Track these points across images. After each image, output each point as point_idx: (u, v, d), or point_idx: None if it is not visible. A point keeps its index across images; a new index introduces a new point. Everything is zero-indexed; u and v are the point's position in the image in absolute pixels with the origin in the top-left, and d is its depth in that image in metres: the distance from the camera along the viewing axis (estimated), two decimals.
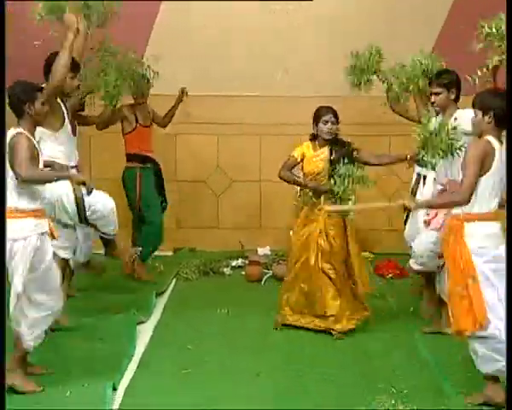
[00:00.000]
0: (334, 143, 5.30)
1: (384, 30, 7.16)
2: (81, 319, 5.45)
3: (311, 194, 5.29)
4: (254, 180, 7.90)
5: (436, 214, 5.05)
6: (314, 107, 5.49)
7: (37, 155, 4.28)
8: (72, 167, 5.24)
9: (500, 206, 4.10)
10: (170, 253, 7.74)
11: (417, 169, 5.81)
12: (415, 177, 5.92)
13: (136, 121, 6.62)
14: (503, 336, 3.92)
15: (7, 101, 4.29)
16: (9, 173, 4.16)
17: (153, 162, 6.76)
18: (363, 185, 5.19)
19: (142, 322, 5.62)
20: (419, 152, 4.87)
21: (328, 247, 5.27)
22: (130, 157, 6.65)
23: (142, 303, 5.97)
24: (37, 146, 4.30)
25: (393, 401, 4.13)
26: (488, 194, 4.00)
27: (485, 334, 3.98)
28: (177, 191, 7.78)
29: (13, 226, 4.13)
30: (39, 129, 4.54)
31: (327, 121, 5.27)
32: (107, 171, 7.19)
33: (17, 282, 4.13)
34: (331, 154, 5.26)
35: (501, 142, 4.03)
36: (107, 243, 5.62)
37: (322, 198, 5.26)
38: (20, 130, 4.22)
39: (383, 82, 5.96)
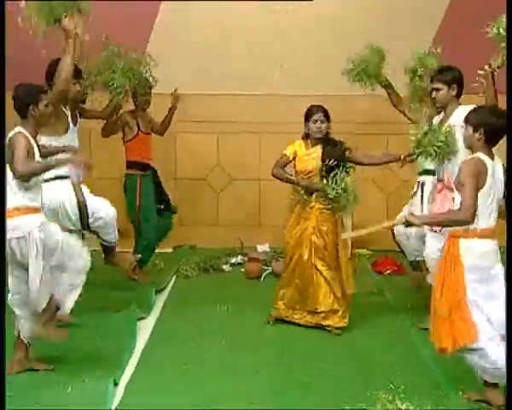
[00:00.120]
0: (327, 142, 5.35)
1: (384, 30, 7.18)
2: (82, 316, 5.45)
3: (303, 192, 5.35)
4: (254, 178, 7.94)
5: None
6: None
7: (34, 154, 4.31)
8: None
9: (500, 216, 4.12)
10: (170, 250, 7.79)
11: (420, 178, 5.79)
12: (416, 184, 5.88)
13: (138, 128, 6.59)
14: (492, 357, 3.95)
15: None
16: (10, 175, 4.24)
17: (152, 170, 6.75)
18: (352, 197, 5.23)
19: (143, 318, 5.67)
20: (413, 152, 4.93)
21: (322, 243, 5.32)
22: (131, 164, 6.60)
23: (143, 300, 6.01)
24: (35, 146, 4.34)
25: (391, 397, 4.16)
26: (484, 210, 3.99)
27: (474, 347, 4.01)
28: (177, 189, 7.84)
29: (14, 223, 4.21)
30: (44, 138, 4.59)
31: (316, 120, 5.31)
32: (108, 171, 7.26)
33: (35, 268, 4.25)
34: (323, 153, 5.31)
35: (492, 157, 4.04)
36: (107, 250, 5.65)
37: (313, 196, 5.32)
38: (19, 129, 4.28)
39: (384, 86, 6.00)
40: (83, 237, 5.37)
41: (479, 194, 3.95)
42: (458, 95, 5.08)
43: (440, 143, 4.81)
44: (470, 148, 4.13)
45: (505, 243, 4.02)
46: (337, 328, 5.32)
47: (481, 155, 4.01)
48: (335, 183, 5.18)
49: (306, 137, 5.41)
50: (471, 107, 4.28)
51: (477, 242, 4.01)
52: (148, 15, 7.56)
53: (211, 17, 7.56)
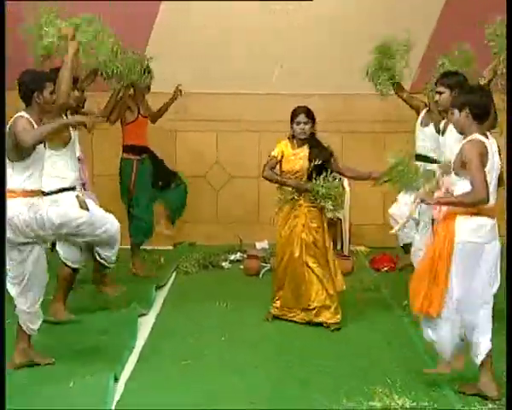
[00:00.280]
0: (313, 142, 5.40)
1: (384, 30, 7.21)
2: (83, 313, 5.53)
3: (293, 191, 5.38)
4: (253, 176, 7.97)
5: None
6: (313, 104, 5.59)
7: None
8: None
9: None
10: (170, 247, 7.83)
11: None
12: None
13: (138, 112, 6.68)
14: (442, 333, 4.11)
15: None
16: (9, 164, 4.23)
17: (149, 153, 6.80)
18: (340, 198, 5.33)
19: (143, 315, 5.70)
20: (383, 176, 4.98)
21: (312, 240, 5.38)
22: (128, 149, 6.69)
23: (143, 297, 6.04)
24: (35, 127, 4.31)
25: (388, 391, 4.20)
26: None
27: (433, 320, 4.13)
28: None
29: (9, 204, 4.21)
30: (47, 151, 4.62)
31: (299, 122, 5.37)
32: (107, 168, 7.28)
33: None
34: (310, 153, 5.36)
35: (486, 137, 4.07)
36: (100, 269, 5.65)
37: (302, 195, 5.36)
38: (21, 113, 4.28)
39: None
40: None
41: None
42: None
43: (409, 177, 4.87)
44: (463, 132, 4.14)
45: (505, 242, 4.07)
46: (330, 324, 5.37)
47: (477, 136, 4.03)
48: (325, 182, 5.23)
49: (293, 137, 5.46)
50: None
51: (474, 219, 4.03)
52: (148, 15, 7.60)
53: (211, 17, 7.59)
